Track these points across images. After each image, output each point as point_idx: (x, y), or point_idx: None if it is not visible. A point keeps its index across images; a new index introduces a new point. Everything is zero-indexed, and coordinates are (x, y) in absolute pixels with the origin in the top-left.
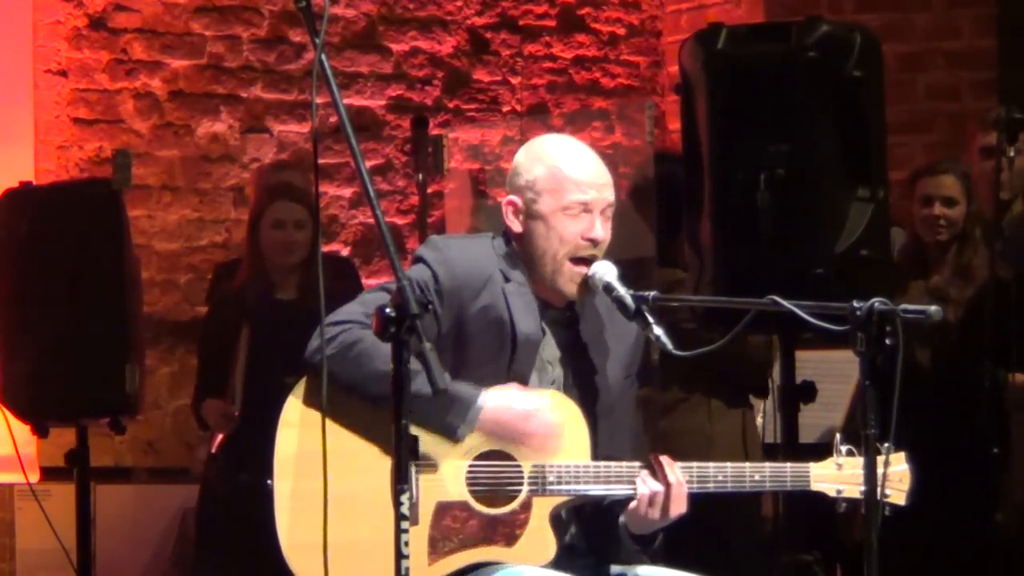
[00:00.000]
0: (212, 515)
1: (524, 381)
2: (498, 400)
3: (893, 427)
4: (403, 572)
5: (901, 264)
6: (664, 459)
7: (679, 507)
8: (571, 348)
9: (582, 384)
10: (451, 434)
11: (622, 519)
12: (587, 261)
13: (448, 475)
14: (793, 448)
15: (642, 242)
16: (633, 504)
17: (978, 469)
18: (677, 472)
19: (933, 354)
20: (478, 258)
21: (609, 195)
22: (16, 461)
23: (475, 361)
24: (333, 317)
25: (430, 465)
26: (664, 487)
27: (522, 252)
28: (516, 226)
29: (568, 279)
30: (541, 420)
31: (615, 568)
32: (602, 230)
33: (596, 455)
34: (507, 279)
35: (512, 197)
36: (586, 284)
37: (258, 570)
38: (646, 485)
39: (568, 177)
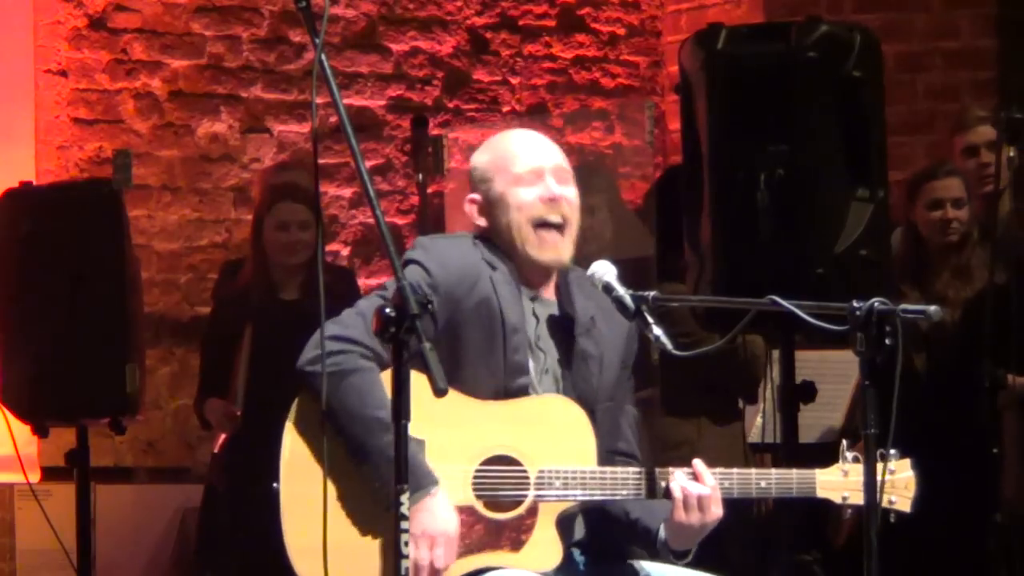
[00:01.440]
0: (215, 515)
1: (523, 370)
2: (440, 507)
3: (893, 427)
4: (403, 572)
5: (897, 266)
6: (696, 463)
7: (715, 511)
8: (563, 337)
9: (576, 372)
10: (387, 501)
11: (662, 535)
12: (556, 226)
13: (454, 480)
14: (793, 448)
15: (642, 242)
16: (670, 514)
17: (977, 470)
18: (709, 476)
19: (931, 355)
20: (466, 254)
21: (558, 158)
22: (16, 461)
23: (470, 358)
24: (334, 329)
25: (441, 457)
26: (696, 492)
27: (496, 243)
28: (481, 221)
29: (540, 247)
30: (441, 551)
31: (618, 566)
32: (558, 189)
33: (600, 447)
34: (494, 268)
35: (472, 196)
36: (561, 257)
37: (261, 570)
38: (681, 492)
39: (510, 151)
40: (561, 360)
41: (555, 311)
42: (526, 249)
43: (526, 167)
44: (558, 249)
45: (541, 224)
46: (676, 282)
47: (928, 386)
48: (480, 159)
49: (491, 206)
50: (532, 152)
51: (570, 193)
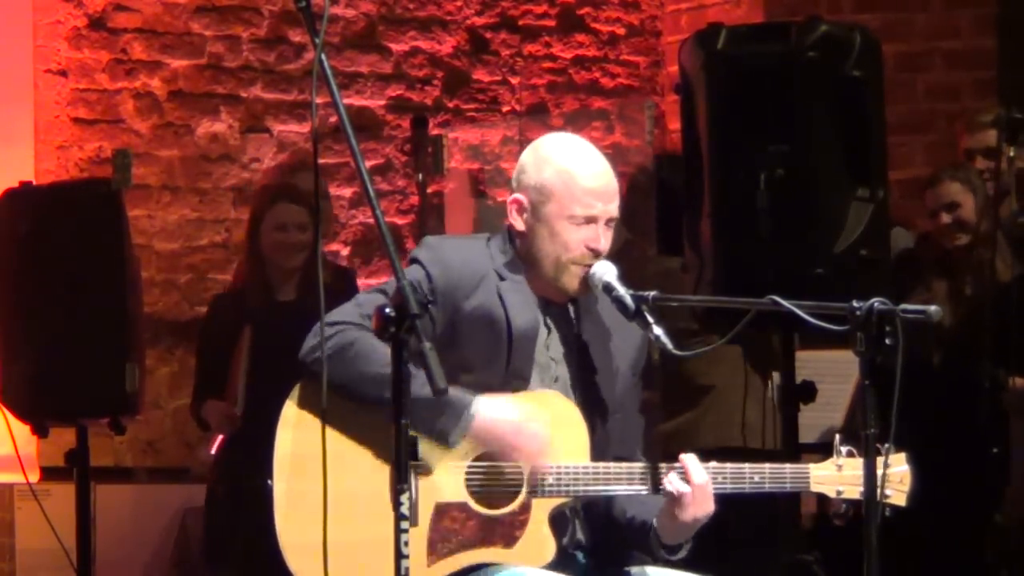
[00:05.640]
0: (218, 517)
1: (525, 379)
2: (490, 409)
3: (893, 427)
4: (403, 572)
5: (924, 265)
6: (690, 457)
7: (707, 506)
8: (576, 346)
9: (588, 382)
10: (443, 440)
11: (653, 527)
12: (588, 265)
13: (447, 476)
14: (793, 448)
15: (642, 242)
16: (663, 508)
17: (978, 470)
18: (702, 471)
19: (946, 354)
20: (472, 258)
21: (615, 209)
22: (16, 461)
23: (471, 363)
24: (329, 318)
25: (424, 469)
26: (690, 487)
27: (524, 250)
28: (519, 224)
29: (574, 276)
30: (530, 433)
31: (618, 568)
32: (604, 243)
33: (606, 455)
34: (502, 278)
35: (518, 195)
36: (587, 282)
37: (259, 571)
38: (673, 486)
39: (578, 186)
40: (572, 370)
41: (569, 320)
42: (559, 279)
43: (585, 211)
44: (586, 282)
45: (577, 263)
46: (675, 256)
47: (932, 385)
48: (541, 169)
49: (535, 220)
50: (595, 197)
51: (610, 240)
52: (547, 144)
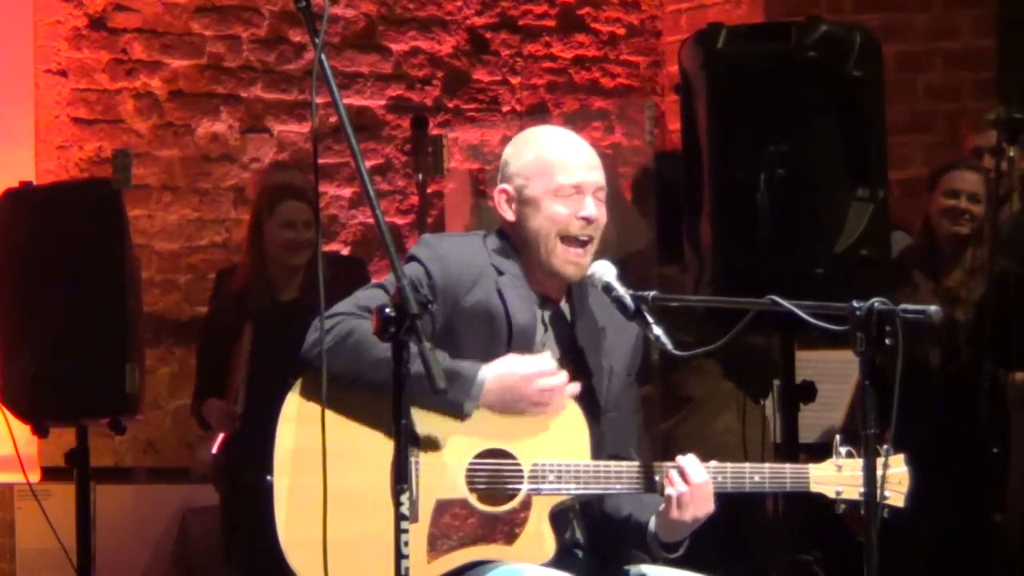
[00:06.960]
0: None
1: None
2: (499, 369)
3: (893, 427)
4: (403, 572)
5: (912, 265)
6: (689, 458)
7: (706, 506)
8: (571, 347)
9: (583, 382)
10: (458, 411)
11: (652, 528)
12: (581, 243)
13: (448, 473)
14: (793, 448)
15: (642, 241)
16: (662, 507)
17: (978, 469)
18: (701, 471)
19: (942, 354)
20: (470, 255)
21: (599, 177)
22: (16, 461)
23: (470, 358)
24: (326, 314)
25: (433, 445)
26: (688, 487)
27: (516, 240)
28: (509, 214)
29: (563, 261)
30: (545, 380)
31: (617, 567)
32: (595, 209)
33: (602, 454)
34: (500, 273)
35: (503, 186)
36: (582, 272)
37: (259, 569)
38: (674, 487)
39: (556, 160)
40: (568, 370)
41: (564, 319)
42: (549, 259)
43: (569, 181)
44: (580, 265)
45: (569, 238)
46: (676, 266)
47: (933, 385)
48: (520, 156)
49: (522, 205)
50: (578, 167)
51: (603, 213)
52: (526, 135)
